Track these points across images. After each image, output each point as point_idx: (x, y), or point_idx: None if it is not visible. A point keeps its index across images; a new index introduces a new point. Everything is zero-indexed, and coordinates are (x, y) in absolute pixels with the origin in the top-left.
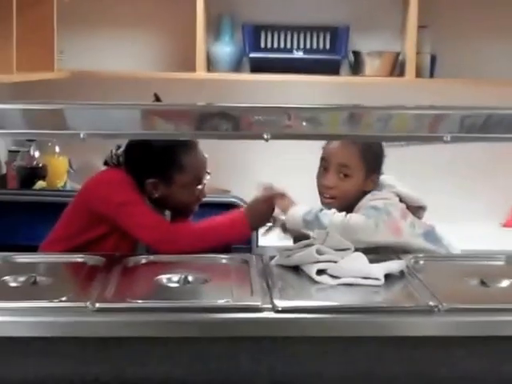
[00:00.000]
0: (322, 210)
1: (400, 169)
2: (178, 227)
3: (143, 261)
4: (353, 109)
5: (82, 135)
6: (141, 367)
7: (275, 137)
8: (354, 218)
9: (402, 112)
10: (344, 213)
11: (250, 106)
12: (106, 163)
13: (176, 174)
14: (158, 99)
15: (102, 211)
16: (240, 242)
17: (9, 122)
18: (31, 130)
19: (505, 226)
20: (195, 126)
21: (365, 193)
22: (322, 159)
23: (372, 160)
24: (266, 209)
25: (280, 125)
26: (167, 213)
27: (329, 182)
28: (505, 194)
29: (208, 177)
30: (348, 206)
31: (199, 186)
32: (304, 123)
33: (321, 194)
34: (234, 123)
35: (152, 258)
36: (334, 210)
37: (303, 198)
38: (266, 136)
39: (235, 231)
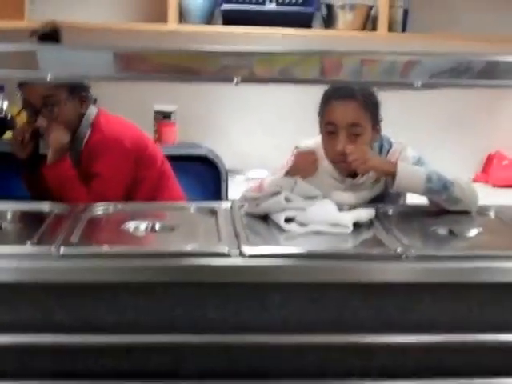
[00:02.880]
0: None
1: None
2: None
3: (111, 209)
4: (324, 54)
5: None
6: (106, 313)
7: (245, 80)
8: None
9: (372, 58)
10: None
11: (221, 51)
12: None
13: None
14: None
15: None
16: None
17: None
18: None
19: (474, 180)
20: (166, 68)
21: None
22: (328, 123)
23: (374, 110)
24: None
25: (249, 69)
26: None
27: (343, 148)
28: (475, 148)
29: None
30: None
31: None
32: (273, 68)
33: (334, 160)
34: (204, 67)
35: (119, 206)
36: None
37: (275, 148)
38: (235, 80)
39: None
